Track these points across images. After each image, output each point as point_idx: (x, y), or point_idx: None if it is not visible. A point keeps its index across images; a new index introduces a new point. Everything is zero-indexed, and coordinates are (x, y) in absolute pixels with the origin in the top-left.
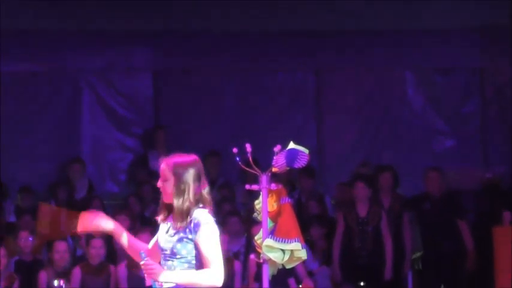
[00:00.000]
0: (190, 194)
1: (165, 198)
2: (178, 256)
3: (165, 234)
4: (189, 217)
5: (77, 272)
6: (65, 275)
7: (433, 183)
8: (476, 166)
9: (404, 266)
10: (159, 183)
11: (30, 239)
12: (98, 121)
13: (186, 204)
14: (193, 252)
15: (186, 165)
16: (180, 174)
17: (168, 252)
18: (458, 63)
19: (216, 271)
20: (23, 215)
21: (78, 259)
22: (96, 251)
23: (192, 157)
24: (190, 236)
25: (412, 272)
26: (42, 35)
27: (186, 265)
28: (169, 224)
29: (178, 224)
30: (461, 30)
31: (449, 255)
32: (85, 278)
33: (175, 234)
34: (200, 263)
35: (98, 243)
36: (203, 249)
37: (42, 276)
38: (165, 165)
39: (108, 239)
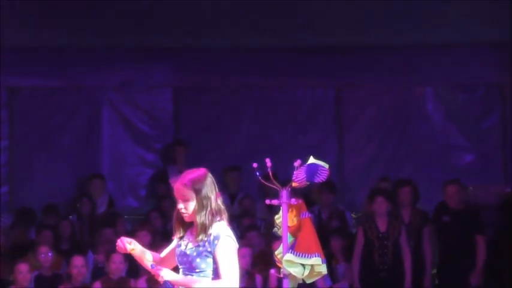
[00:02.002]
0: (213, 207)
1: (188, 218)
2: (197, 270)
3: (184, 248)
4: (209, 230)
5: (97, 287)
6: None
7: (452, 196)
8: (496, 181)
9: (425, 280)
10: (180, 205)
11: (50, 254)
12: (118, 136)
13: (209, 217)
14: (212, 266)
15: (202, 180)
16: (200, 190)
17: (187, 266)
18: (478, 78)
19: (231, 282)
20: (43, 230)
21: (99, 273)
22: (116, 266)
23: (202, 170)
24: (209, 249)
25: (433, 286)
26: (62, 51)
27: (204, 279)
28: (186, 240)
29: (200, 238)
30: (481, 46)
31: (465, 271)
32: None
33: (195, 248)
34: (218, 276)
35: (118, 258)
36: (219, 261)
37: None
38: (181, 185)
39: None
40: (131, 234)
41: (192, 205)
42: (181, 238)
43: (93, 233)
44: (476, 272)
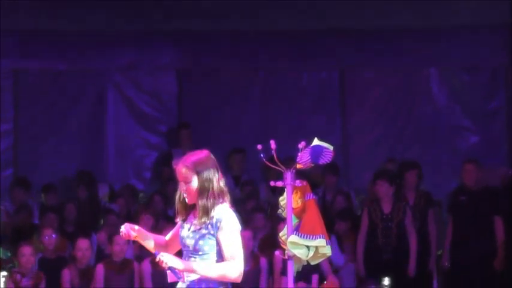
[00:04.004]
0: (215, 189)
1: (190, 200)
2: (200, 252)
3: (187, 231)
4: (211, 213)
5: (100, 269)
6: (87, 272)
7: (470, 175)
8: (500, 163)
9: (430, 262)
10: (182, 187)
11: (54, 236)
12: (123, 119)
13: (211, 200)
14: (215, 248)
15: (204, 162)
16: (202, 172)
17: (190, 249)
18: (484, 60)
19: (236, 264)
20: (47, 212)
21: (101, 256)
22: (120, 248)
23: (205, 152)
24: (212, 232)
25: (437, 269)
26: (67, 34)
27: (208, 261)
28: (189, 223)
29: (202, 220)
30: (486, 28)
31: (480, 252)
32: (108, 275)
33: (198, 231)
34: (222, 259)
35: (121, 240)
36: (224, 244)
37: (65, 274)
38: (183, 167)
39: None
40: (135, 216)
41: (194, 187)
42: (184, 221)
43: (96, 217)
44: (498, 256)
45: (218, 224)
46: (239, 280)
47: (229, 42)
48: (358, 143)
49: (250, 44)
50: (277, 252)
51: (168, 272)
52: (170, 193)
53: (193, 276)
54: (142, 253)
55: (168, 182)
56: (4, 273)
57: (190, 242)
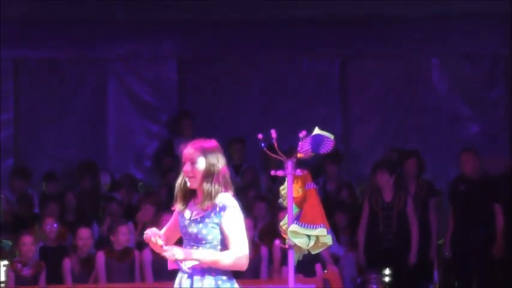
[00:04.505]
0: (220, 177)
1: (193, 183)
2: (203, 242)
3: (188, 220)
4: (215, 199)
5: (100, 257)
6: (88, 261)
7: (468, 164)
8: (501, 152)
9: (430, 252)
10: (187, 167)
11: (55, 225)
12: (123, 108)
13: (216, 187)
14: (219, 237)
15: (213, 149)
16: (209, 156)
17: (192, 237)
18: (485, 49)
19: (241, 252)
20: (48, 201)
21: (102, 244)
22: (126, 238)
23: (214, 141)
24: (216, 221)
25: (438, 258)
26: (68, 23)
27: (211, 250)
28: (189, 211)
29: (205, 204)
30: (487, 16)
31: (480, 241)
32: (109, 263)
33: (201, 219)
34: (226, 248)
35: (124, 229)
36: (228, 232)
37: (66, 263)
38: (192, 148)
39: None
40: (136, 206)
41: (199, 170)
42: (183, 209)
43: (97, 206)
44: (498, 244)
45: (222, 213)
46: (245, 268)
47: (229, 32)
48: (358, 132)
49: (251, 33)
50: (277, 242)
51: (169, 260)
52: (171, 182)
53: (193, 264)
54: (143, 241)
55: (168, 171)
56: (5, 262)
57: (192, 231)
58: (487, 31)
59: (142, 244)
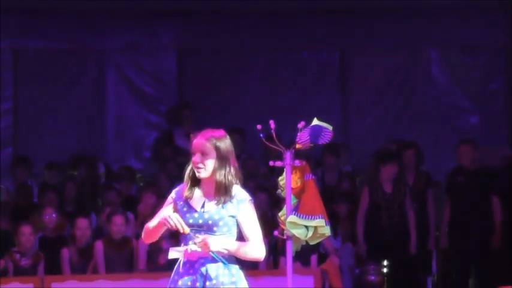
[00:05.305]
0: (231, 168)
1: (202, 174)
2: (218, 233)
3: (199, 210)
4: (230, 192)
5: (99, 246)
6: (87, 251)
7: (465, 156)
8: (500, 144)
9: (429, 243)
10: (197, 158)
11: (54, 215)
12: (123, 99)
13: (229, 178)
14: (233, 228)
15: (224, 139)
16: (220, 148)
17: (204, 228)
18: (484, 41)
19: (261, 245)
20: (47, 191)
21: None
22: (118, 228)
23: (223, 132)
24: (233, 213)
25: (437, 249)
26: (68, 14)
27: (223, 239)
28: (199, 200)
29: (222, 199)
30: (486, 9)
31: (478, 232)
32: (107, 252)
33: (216, 210)
34: (238, 239)
35: (119, 220)
36: (247, 225)
37: (65, 253)
38: (203, 139)
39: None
40: (135, 196)
41: (211, 162)
42: (190, 199)
43: (94, 196)
44: (496, 234)
45: (240, 206)
46: (262, 258)
47: (229, 22)
48: (358, 124)
49: (251, 24)
50: (275, 232)
51: (170, 249)
52: (171, 172)
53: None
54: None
55: (167, 161)
56: (3, 252)
57: (207, 223)
58: (487, 23)
59: (140, 234)
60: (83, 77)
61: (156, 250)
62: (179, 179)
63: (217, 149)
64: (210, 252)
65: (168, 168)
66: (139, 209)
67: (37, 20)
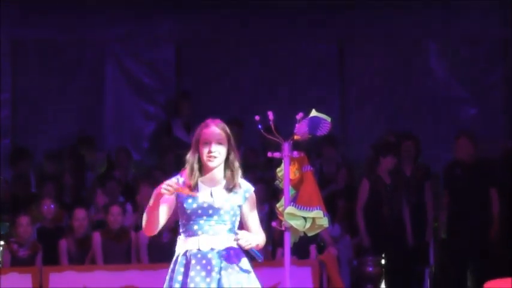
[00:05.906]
0: (237, 160)
1: (216, 162)
2: (220, 221)
3: (205, 199)
4: (237, 180)
5: (97, 237)
6: (84, 242)
7: (462, 149)
8: (499, 136)
9: (426, 234)
10: (214, 148)
11: (52, 206)
12: (121, 89)
13: (236, 165)
14: (235, 217)
15: (230, 132)
16: (230, 138)
17: (214, 218)
18: (482, 33)
19: (264, 235)
20: (45, 182)
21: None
22: (115, 218)
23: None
24: (239, 202)
25: (434, 241)
26: (66, 4)
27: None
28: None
29: (231, 187)
30: (485, 1)
31: (476, 224)
32: (105, 243)
33: (225, 200)
34: (234, 227)
35: (116, 209)
36: (253, 217)
37: (62, 244)
38: (218, 129)
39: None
40: (132, 184)
41: (224, 150)
42: (194, 188)
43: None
44: (494, 227)
45: (247, 195)
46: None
47: (228, 12)
48: (356, 115)
49: (249, 14)
50: (273, 224)
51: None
52: (169, 163)
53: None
54: (139, 223)
55: (166, 152)
56: (1, 242)
57: (217, 212)
58: (486, 14)
59: (139, 225)
60: (82, 67)
61: (157, 244)
62: (177, 170)
63: (228, 137)
64: (249, 248)
65: (167, 159)
66: (137, 200)
67: (36, 11)
